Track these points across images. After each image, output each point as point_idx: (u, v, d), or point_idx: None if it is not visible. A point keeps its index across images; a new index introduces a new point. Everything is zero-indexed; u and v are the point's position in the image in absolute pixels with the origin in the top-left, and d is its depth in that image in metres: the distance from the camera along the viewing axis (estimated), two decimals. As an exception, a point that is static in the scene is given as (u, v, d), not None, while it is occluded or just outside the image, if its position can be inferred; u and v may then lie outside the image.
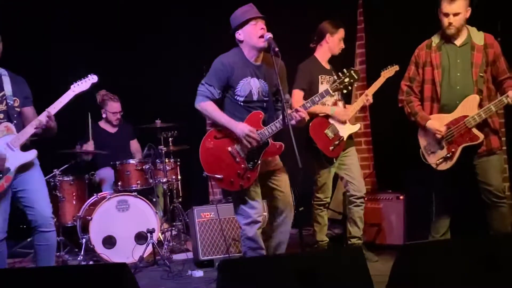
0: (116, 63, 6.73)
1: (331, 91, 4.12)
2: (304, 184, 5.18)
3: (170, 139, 6.08)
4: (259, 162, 4.02)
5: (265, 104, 4.12)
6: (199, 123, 6.60)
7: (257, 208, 4.07)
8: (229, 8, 4.13)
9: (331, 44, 5.06)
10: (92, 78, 4.30)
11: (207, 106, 4.01)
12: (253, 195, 4.07)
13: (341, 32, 5.04)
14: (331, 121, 5.00)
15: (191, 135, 6.59)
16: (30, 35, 6.36)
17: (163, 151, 5.94)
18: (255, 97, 4.06)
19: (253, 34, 3.99)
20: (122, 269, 2.59)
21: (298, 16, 6.28)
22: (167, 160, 5.97)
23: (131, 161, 5.86)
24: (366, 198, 5.21)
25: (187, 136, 6.26)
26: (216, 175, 4.01)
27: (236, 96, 4.04)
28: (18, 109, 4.15)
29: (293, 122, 3.95)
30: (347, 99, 5.63)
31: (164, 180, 5.93)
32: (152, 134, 6.15)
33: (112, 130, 6.47)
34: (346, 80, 4.08)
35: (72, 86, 4.23)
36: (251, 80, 4.04)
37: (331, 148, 4.98)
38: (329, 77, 5.04)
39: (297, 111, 3.96)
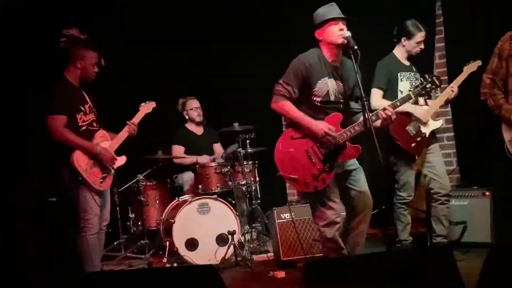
0: (193, 70, 6.84)
1: (412, 96, 4.05)
2: (386, 183, 5.08)
3: (248, 141, 6.12)
4: (335, 164, 3.97)
5: (341, 105, 4.06)
6: (276, 124, 6.65)
7: (335, 209, 4.02)
8: (303, 7, 4.12)
9: (408, 47, 4.99)
10: (152, 104, 4.82)
11: (284, 106, 3.98)
12: (331, 196, 4.02)
13: (419, 36, 4.94)
14: (413, 117, 4.90)
15: (268, 136, 6.62)
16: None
17: (242, 154, 5.98)
18: (332, 98, 4.01)
19: (332, 34, 3.95)
20: (211, 271, 2.62)
21: (375, 9, 6.18)
22: (245, 163, 6.00)
23: (211, 164, 5.94)
24: (450, 195, 5.06)
25: (265, 137, 6.29)
26: (290, 176, 3.98)
27: (313, 97, 4.00)
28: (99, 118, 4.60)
29: (378, 122, 3.90)
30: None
31: (243, 182, 5.98)
32: (230, 137, 6.22)
33: (199, 131, 6.58)
34: (428, 86, 4.02)
35: (140, 107, 4.79)
36: (329, 81, 4.00)
37: (413, 145, 4.89)
38: (409, 74, 4.95)
39: (384, 109, 3.90)
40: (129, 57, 6.63)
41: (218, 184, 5.83)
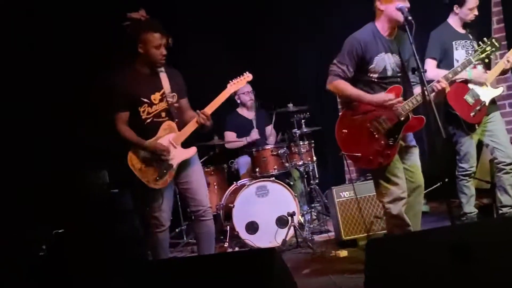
0: (246, 51, 6.83)
1: (473, 61, 4.01)
2: (447, 154, 4.96)
3: (303, 121, 6.09)
4: (400, 137, 3.90)
5: (398, 79, 4.00)
6: (331, 103, 6.58)
7: (400, 184, 3.94)
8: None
9: (461, 14, 4.84)
10: (248, 76, 4.41)
11: (339, 85, 3.94)
12: (395, 171, 3.94)
13: (471, 2, 4.77)
14: (470, 86, 4.76)
15: (323, 116, 6.60)
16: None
17: (297, 134, 5.95)
18: (389, 73, 3.95)
19: (394, 10, 3.82)
20: (272, 254, 2.61)
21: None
22: (301, 143, 5.97)
23: (267, 147, 5.94)
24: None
25: (320, 117, 6.26)
26: (354, 154, 3.93)
27: (369, 73, 3.94)
28: (177, 104, 4.29)
29: (433, 94, 3.81)
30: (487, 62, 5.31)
31: (300, 163, 5.95)
32: (285, 118, 6.19)
33: (250, 115, 6.59)
34: (488, 49, 4.04)
35: (228, 85, 4.36)
36: (385, 56, 3.93)
37: (472, 114, 4.75)
38: (465, 42, 4.81)
39: (438, 82, 3.84)
40: (180, 40, 6.64)
41: (275, 166, 5.83)
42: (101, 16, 5.79)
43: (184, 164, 4.31)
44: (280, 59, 7.08)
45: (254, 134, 6.37)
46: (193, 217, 4.43)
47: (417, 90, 3.96)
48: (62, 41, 5.79)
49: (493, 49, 4.03)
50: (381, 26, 3.95)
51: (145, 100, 4.19)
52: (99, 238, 4.74)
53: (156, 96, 4.22)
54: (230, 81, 4.38)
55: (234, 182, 5.92)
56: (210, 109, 4.23)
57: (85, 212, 4.87)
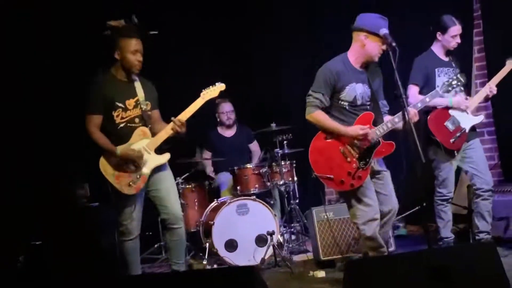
0: (230, 70, 6.87)
1: (440, 92, 4.30)
2: (426, 179, 5.02)
3: (285, 142, 6.12)
4: (371, 161, 4.05)
5: (368, 107, 4.17)
6: (313, 125, 6.61)
7: (372, 206, 4.07)
8: (337, 15, 4.12)
9: (444, 41, 4.94)
10: (220, 86, 4.49)
11: (318, 116, 4.09)
12: (367, 193, 4.07)
13: (453, 30, 4.87)
14: (451, 112, 4.84)
15: (306, 137, 6.62)
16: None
17: (279, 154, 5.99)
18: (359, 102, 4.13)
19: (375, 49, 4.02)
20: (252, 272, 2.64)
21: (413, 5, 6.14)
22: (283, 163, 6.00)
23: (248, 165, 5.97)
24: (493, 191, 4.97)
25: (302, 138, 6.28)
26: (326, 175, 4.05)
27: (341, 102, 4.11)
28: (149, 113, 4.37)
29: (400, 123, 3.98)
30: (467, 89, 5.41)
31: (281, 182, 5.97)
32: (267, 137, 6.23)
33: (229, 134, 6.62)
34: (454, 83, 4.31)
35: (201, 94, 4.43)
36: (356, 86, 4.09)
37: (452, 140, 4.83)
38: (448, 69, 4.90)
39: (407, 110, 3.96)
40: (163, 53, 6.66)
41: (257, 185, 5.85)
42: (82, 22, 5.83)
43: (155, 172, 4.34)
44: (264, 77, 7.12)
45: (210, 171, 6.53)
46: (165, 226, 4.44)
47: (386, 118, 4.12)
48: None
49: (458, 83, 4.32)
50: (354, 58, 4.13)
51: (120, 104, 4.25)
52: (78, 251, 4.71)
53: (130, 102, 4.29)
54: (203, 90, 4.43)
55: (215, 199, 5.93)
56: (183, 116, 4.29)
57: (64, 225, 4.83)
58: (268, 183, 5.88)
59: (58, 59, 5.80)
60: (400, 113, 3.98)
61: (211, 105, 6.09)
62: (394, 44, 3.82)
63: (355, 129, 4.00)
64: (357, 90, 4.08)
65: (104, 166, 4.22)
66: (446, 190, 4.98)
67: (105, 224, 5.06)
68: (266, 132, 6.20)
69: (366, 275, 2.84)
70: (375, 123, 4.08)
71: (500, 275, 2.87)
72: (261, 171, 5.87)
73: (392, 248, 5.09)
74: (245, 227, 5.54)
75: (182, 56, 6.71)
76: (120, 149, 4.19)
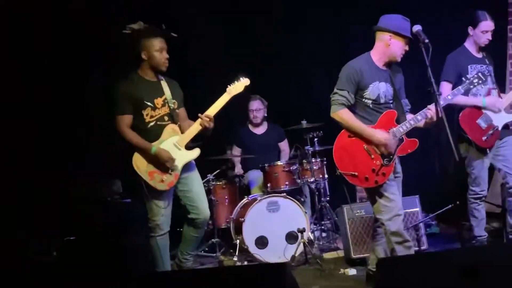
0: (261, 67, 6.89)
1: (462, 90, 4.30)
2: (459, 177, 4.98)
3: (315, 139, 6.12)
4: (395, 157, 4.09)
5: (391, 105, 4.21)
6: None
7: (396, 201, 4.10)
8: (363, 14, 4.11)
9: (475, 36, 4.89)
10: (245, 81, 4.54)
11: (343, 115, 4.10)
12: (391, 189, 4.11)
13: (483, 25, 4.82)
14: (483, 110, 4.78)
15: (336, 134, 6.60)
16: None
17: (310, 151, 5.98)
18: (382, 100, 4.16)
19: (398, 49, 4.10)
20: (283, 269, 2.64)
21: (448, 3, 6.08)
22: (313, 160, 6.00)
23: (279, 162, 5.97)
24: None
25: (332, 135, 6.26)
26: (350, 172, 4.08)
27: (364, 99, 4.14)
28: (177, 111, 4.45)
29: (422, 121, 4.08)
30: (502, 85, 5.34)
31: (312, 179, 5.97)
32: (298, 135, 6.23)
33: (259, 131, 6.63)
34: (475, 81, 4.30)
35: (227, 89, 4.49)
36: (379, 85, 4.13)
37: (484, 138, 4.78)
38: (481, 66, 4.84)
39: (428, 109, 4.06)
40: (193, 53, 6.70)
41: (287, 182, 5.85)
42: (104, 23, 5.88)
43: (185, 171, 4.41)
44: (295, 75, 7.12)
45: (238, 169, 6.53)
46: (189, 222, 4.48)
47: (409, 116, 4.16)
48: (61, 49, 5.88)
49: (480, 81, 4.30)
50: (377, 57, 4.18)
51: (149, 103, 4.33)
52: (110, 247, 4.77)
53: (158, 101, 4.37)
54: (228, 86, 4.49)
55: (245, 196, 5.95)
56: (211, 112, 4.38)
57: (96, 221, 4.89)
58: (299, 180, 5.88)
59: (82, 56, 5.90)
60: (422, 111, 4.07)
61: (244, 101, 6.13)
62: (427, 40, 3.85)
63: (380, 138, 4.04)
64: (380, 89, 4.12)
65: (137, 163, 4.29)
66: (479, 188, 4.92)
67: (138, 220, 5.11)
68: (297, 130, 6.20)
69: (398, 273, 2.83)
70: (398, 121, 4.13)
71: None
72: (291, 168, 5.87)
73: (424, 247, 5.06)
74: (275, 224, 5.55)
75: (211, 54, 6.75)
76: (154, 150, 4.27)
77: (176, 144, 4.37)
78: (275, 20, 7.05)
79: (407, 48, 4.09)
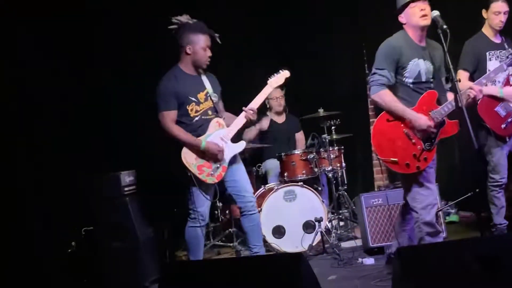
0: (278, 56, 6.86)
1: (505, 67, 4.21)
2: (478, 165, 4.91)
3: (333, 127, 6.08)
4: (436, 142, 3.94)
5: (431, 84, 4.05)
6: (361, 110, 6.53)
7: (433, 190, 4.00)
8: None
9: (488, 20, 4.81)
10: (285, 73, 4.64)
11: (384, 96, 3.96)
12: (430, 177, 3.99)
13: (495, 6, 4.73)
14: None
15: (353, 122, 6.57)
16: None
17: (327, 140, 5.95)
18: (423, 78, 4.00)
19: (413, 15, 3.95)
20: (300, 259, 2.63)
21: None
22: (331, 149, 5.96)
23: (296, 151, 5.95)
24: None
25: (350, 123, 6.23)
26: (390, 159, 3.94)
27: (404, 79, 3.99)
28: (219, 103, 4.56)
29: (464, 101, 3.81)
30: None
31: (329, 168, 5.93)
32: (315, 123, 6.18)
33: (280, 119, 6.59)
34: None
35: (268, 81, 4.59)
36: (419, 62, 3.98)
37: (503, 126, 4.71)
38: (500, 51, 4.75)
39: (471, 88, 3.90)
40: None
41: (304, 171, 5.83)
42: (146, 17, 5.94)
43: (231, 162, 4.52)
44: (312, 63, 7.07)
45: (265, 122, 6.41)
46: (241, 213, 4.61)
47: (450, 95, 4.00)
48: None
49: None
50: (411, 33, 4.02)
51: (193, 98, 4.40)
52: (126, 237, 4.78)
53: (201, 95, 4.45)
54: (268, 78, 4.58)
55: (262, 186, 5.94)
56: (255, 104, 4.49)
57: (111, 212, 4.89)
58: (316, 169, 5.84)
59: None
60: (464, 91, 3.89)
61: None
62: (445, 26, 3.73)
63: (421, 124, 3.88)
64: (420, 66, 3.97)
65: (186, 157, 4.37)
66: (498, 175, 4.86)
67: (152, 211, 5.12)
68: (313, 118, 6.16)
69: (417, 262, 2.80)
70: (439, 102, 3.98)
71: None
72: (308, 157, 5.83)
73: (444, 235, 5.01)
74: (292, 214, 5.54)
75: (230, 44, 6.73)
76: (203, 145, 4.36)
77: (223, 138, 4.46)
78: (297, 3, 6.99)
79: (423, 6, 3.89)
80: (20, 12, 5.03)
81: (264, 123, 6.38)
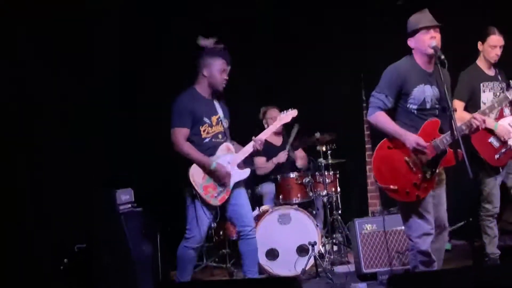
0: (274, 79, 6.90)
1: (496, 105, 4.21)
2: (472, 194, 4.95)
3: (329, 152, 6.10)
4: (437, 171, 3.89)
5: (436, 111, 3.99)
6: (357, 135, 6.57)
7: (429, 220, 3.94)
8: (389, 16, 4.07)
9: (484, 52, 4.86)
10: (293, 112, 4.93)
11: (379, 118, 3.93)
12: (427, 207, 3.93)
13: (492, 40, 4.79)
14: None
15: (349, 147, 6.60)
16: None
17: (323, 164, 5.97)
18: (428, 105, 3.95)
19: (422, 42, 3.90)
20: (294, 282, 2.64)
21: (459, 17, 6.05)
22: (326, 173, 5.99)
23: (292, 175, 5.96)
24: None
25: (345, 148, 6.25)
26: (390, 186, 3.91)
27: (409, 105, 3.94)
28: (228, 130, 4.63)
29: (467, 131, 3.87)
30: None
31: (324, 193, 5.96)
32: (311, 147, 6.21)
33: (278, 141, 6.60)
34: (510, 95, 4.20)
35: (278, 117, 4.97)
36: (425, 88, 3.94)
37: (496, 156, 4.75)
38: (493, 84, 4.81)
39: (474, 118, 3.87)
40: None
41: (299, 195, 5.85)
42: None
43: (235, 186, 4.58)
44: (309, 87, 7.10)
45: (282, 156, 6.35)
46: (240, 236, 4.64)
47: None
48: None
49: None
50: (418, 58, 3.98)
51: (207, 120, 4.48)
52: (121, 255, 4.78)
53: (214, 119, 4.53)
54: (281, 112, 4.96)
55: (257, 208, 5.95)
56: (264, 135, 4.66)
57: (107, 229, 4.90)
58: (311, 193, 5.87)
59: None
60: (467, 120, 3.88)
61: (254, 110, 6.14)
62: (443, 57, 3.77)
63: (411, 142, 3.81)
64: (426, 92, 3.92)
65: (194, 176, 4.42)
66: (491, 205, 4.88)
67: (148, 229, 5.12)
68: (309, 142, 6.18)
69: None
70: (442, 131, 3.91)
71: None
72: (304, 181, 5.86)
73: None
74: (286, 237, 5.54)
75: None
76: (215, 163, 4.43)
77: (230, 162, 4.54)
78: (288, 34, 7.06)
79: (434, 34, 3.85)
80: (20, 12, 5.03)
81: (282, 157, 6.36)
